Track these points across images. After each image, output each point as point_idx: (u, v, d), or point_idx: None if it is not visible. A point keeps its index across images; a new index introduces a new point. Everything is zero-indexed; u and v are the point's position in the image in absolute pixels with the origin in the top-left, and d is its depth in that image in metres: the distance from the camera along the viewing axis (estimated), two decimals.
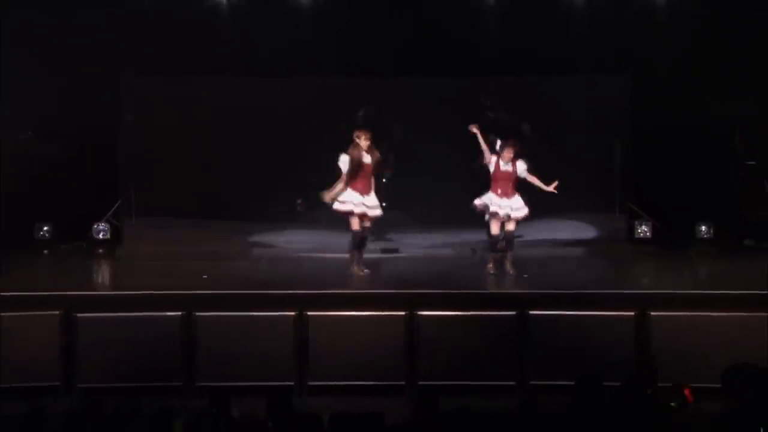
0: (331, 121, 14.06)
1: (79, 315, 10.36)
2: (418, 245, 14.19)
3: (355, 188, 11.84)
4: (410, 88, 14.76)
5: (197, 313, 10.36)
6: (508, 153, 11.92)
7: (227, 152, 14.58)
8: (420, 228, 14.73)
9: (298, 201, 14.80)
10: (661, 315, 10.21)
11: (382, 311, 10.44)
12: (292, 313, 10.38)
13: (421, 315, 10.36)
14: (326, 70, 14.30)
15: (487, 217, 12.05)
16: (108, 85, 14.20)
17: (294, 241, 14.33)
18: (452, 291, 10.97)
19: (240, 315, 10.40)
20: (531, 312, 10.32)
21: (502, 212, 11.89)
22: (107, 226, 14.52)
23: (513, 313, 10.34)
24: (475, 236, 13.45)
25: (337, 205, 11.88)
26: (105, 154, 14.36)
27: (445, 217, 14.29)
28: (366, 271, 11.98)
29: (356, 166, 11.80)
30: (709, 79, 14.14)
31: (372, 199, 12.02)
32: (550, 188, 11.95)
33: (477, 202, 12.05)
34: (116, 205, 14.60)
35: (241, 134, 14.57)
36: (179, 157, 14.35)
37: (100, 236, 14.46)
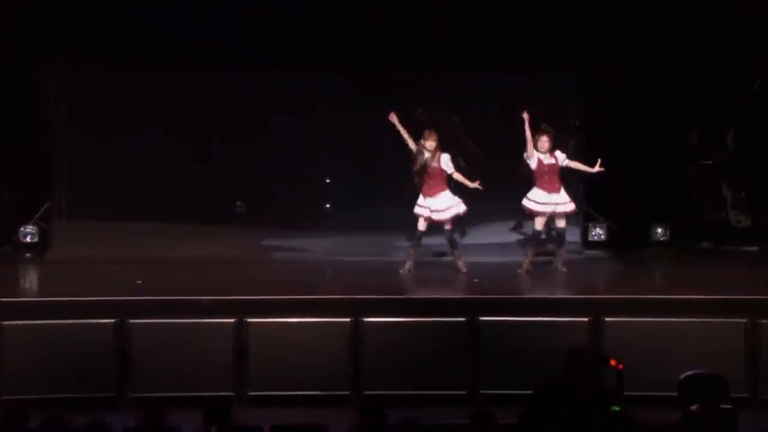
0: (269, 119, 14.03)
1: (4, 323, 10.22)
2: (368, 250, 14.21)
3: (421, 190, 12.06)
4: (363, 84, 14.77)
5: (131, 321, 10.28)
6: (545, 144, 12.03)
7: (161, 152, 14.44)
8: (370, 231, 14.75)
9: (238, 203, 14.75)
10: (616, 321, 10.29)
11: (326, 317, 10.42)
12: (231, 320, 10.33)
13: (367, 321, 10.36)
14: (261, 66, 14.22)
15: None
16: (34, 83, 14.05)
17: (234, 245, 14.27)
18: (399, 297, 10.99)
19: (176, 322, 10.34)
20: (481, 318, 10.35)
21: (548, 209, 12.04)
22: (35, 229, 14.35)
23: (463, 319, 10.37)
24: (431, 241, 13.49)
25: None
26: (32, 154, 14.19)
27: (394, 220, 14.33)
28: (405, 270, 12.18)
29: (419, 167, 11.94)
30: (665, 77, 14.28)
31: (438, 202, 12.08)
32: (596, 169, 12.12)
33: (525, 203, 12.22)
34: (44, 206, 14.44)
35: (175, 133, 14.44)
36: (110, 157, 14.20)
37: (28, 239, 14.28)
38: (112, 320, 10.26)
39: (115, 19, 13.93)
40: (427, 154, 12.13)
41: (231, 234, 14.55)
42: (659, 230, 14.50)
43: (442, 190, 12.17)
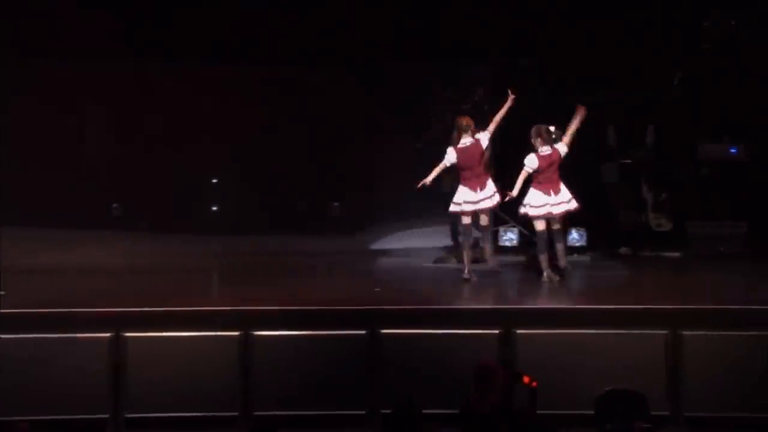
0: (145, 114, 13.92)
1: None
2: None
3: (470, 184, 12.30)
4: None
5: None
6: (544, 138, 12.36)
7: (32, 152, 14.23)
8: (262, 234, 14.73)
9: (114, 205, 14.59)
10: (528, 333, 10.37)
11: (213, 331, 10.35)
12: (107, 335, 10.21)
13: (258, 335, 10.31)
14: (137, 56, 14.10)
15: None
16: None
17: (110, 251, 14.11)
18: (292, 308, 10.94)
19: (44, 337, 10.19)
20: (383, 331, 10.36)
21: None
22: None
23: (362, 332, 10.37)
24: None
25: None
26: None
27: (289, 222, 14.35)
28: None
29: (486, 159, 12.31)
30: (580, 69, 14.45)
31: (476, 194, 12.31)
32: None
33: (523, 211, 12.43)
34: None
35: (45, 132, 14.24)
36: None
37: None
38: None
39: None
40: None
41: (106, 239, 14.38)
42: (574, 234, 14.64)
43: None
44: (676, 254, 14.69)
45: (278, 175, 14.88)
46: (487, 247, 12.81)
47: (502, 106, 12.43)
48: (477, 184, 12.37)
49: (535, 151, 12.37)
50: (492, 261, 12.82)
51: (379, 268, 13.55)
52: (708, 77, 14.88)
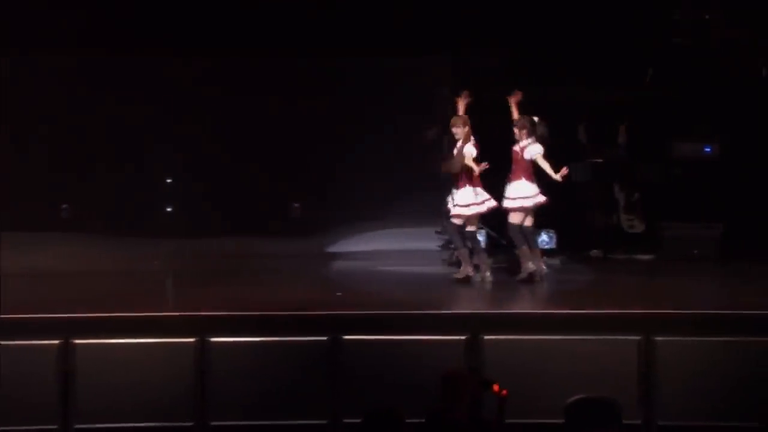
0: (96, 111, 13.86)
1: None
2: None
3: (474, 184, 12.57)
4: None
5: None
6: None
7: None
8: (219, 236, 14.70)
9: (63, 206, 14.50)
10: (495, 339, 10.37)
11: (167, 338, 10.30)
12: (55, 342, 10.13)
13: (215, 342, 10.26)
14: (80, 46, 14.03)
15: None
16: None
17: (59, 254, 14.02)
18: (251, 313, 10.89)
19: None
20: (345, 337, 10.34)
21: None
22: None
23: (324, 338, 10.34)
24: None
25: None
26: None
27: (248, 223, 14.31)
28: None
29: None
30: (550, 64, 14.48)
31: (459, 197, 12.45)
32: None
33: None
34: None
35: None
36: None
37: None
38: None
39: None
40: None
41: (56, 241, 14.30)
42: (544, 237, 14.68)
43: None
44: (649, 257, 14.78)
45: (235, 174, 14.84)
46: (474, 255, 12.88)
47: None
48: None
49: (517, 141, 12.47)
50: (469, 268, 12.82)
51: (341, 271, 13.53)
52: (681, 73, 14.95)
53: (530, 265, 12.55)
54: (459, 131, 12.52)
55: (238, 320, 10.64)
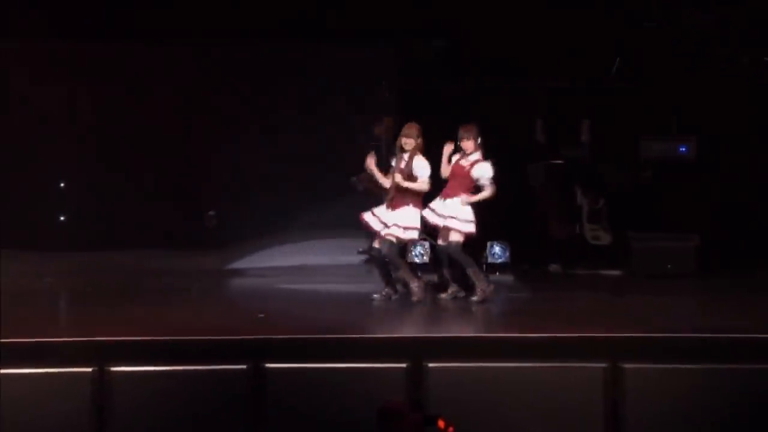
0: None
1: None
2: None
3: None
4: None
5: None
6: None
7: None
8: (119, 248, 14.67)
9: None
10: (440, 366, 10.41)
11: (62, 367, 10.25)
12: None
13: (116, 371, 10.24)
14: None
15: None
16: None
17: None
18: (159, 338, 10.87)
19: None
20: (268, 365, 10.35)
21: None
22: None
23: (243, 366, 10.35)
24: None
25: None
26: None
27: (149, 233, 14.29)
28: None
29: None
30: (500, 52, 14.57)
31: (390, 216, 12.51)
32: None
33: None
34: None
35: None
36: None
37: None
38: None
39: None
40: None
41: None
42: (496, 249, 14.75)
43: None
44: (616, 272, 14.89)
45: (137, 178, 14.76)
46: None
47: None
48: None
49: (463, 152, 12.55)
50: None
51: (263, 289, 13.47)
52: (652, 62, 15.08)
53: (484, 284, 12.59)
54: (410, 142, 12.47)
55: (143, 346, 10.61)
